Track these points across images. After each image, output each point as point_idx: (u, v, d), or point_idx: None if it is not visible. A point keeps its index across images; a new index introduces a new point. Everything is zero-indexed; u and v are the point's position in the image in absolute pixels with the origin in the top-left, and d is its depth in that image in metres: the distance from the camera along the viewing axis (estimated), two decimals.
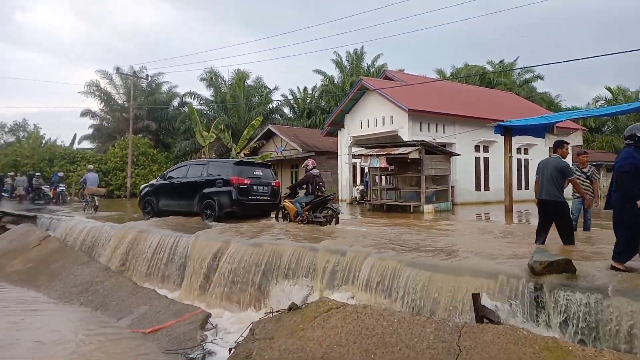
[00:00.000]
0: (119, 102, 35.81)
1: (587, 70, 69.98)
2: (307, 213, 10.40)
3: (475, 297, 4.54)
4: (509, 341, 3.97)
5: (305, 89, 40.64)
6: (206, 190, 11.55)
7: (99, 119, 36.87)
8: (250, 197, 11.41)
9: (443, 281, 5.32)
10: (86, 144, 38.73)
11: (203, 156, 22.72)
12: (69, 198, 22.71)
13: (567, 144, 6.97)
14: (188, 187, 12.07)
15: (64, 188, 21.50)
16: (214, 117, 30.14)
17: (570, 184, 6.93)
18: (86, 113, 35.68)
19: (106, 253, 9.98)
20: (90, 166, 20.06)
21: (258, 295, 7.00)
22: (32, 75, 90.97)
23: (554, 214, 6.53)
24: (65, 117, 75.64)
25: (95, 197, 15.95)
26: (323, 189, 10.70)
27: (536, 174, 6.81)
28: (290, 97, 40.10)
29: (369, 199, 17.17)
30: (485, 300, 4.81)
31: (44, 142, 37.34)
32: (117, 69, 29.31)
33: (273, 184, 12.02)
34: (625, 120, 32.32)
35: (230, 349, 5.15)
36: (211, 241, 8.19)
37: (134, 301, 7.38)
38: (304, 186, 10.81)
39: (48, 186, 21.86)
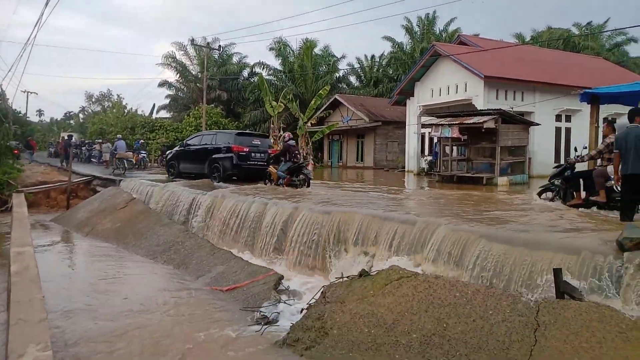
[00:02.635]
0: (193, 73, 37.30)
1: None
2: (287, 177, 11.82)
3: (557, 272, 4.34)
4: (592, 318, 3.79)
5: (372, 56, 39.82)
6: (214, 156, 13.72)
7: (174, 90, 38.74)
8: (248, 163, 13.48)
9: (519, 255, 5.13)
10: (163, 114, 41.06)
11: (272, 125, 23.19)
12: (149, 164, 24.38)
13: None
14: (201, 153, 14.30)
15: (145, 154, 23.12)
16: (282, 87, 30.55)
17: None
18: (163, 84, 37.61)
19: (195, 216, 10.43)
20: (119, 135, 24.01)
21: (327, 262, 7.18)
22: (117, 49, 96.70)
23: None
24: (146, 88, 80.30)
25: (125, 160, 19.16)
26: (299, 156, 12.32)
27: (615, 149, 6.26)
28: (357, 65, 39.53)
29: (438, 170, 16.75)
30: (571, 277, 4.59)
31: (126, 111, 39.98)
32: (192, 40, 30.42)
33: (269, 151, 13.81)
34: None
35: (302, 309, 5.38)
36: (282, 207, 8.43)
37: (212, 261, 7.85)
38: (284, 156, 12.08)
39: (131, 152, 23.60)
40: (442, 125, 15.35)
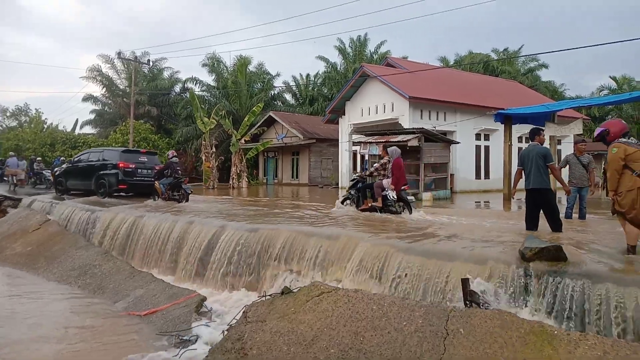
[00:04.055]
0: (121, 87, 35.78)
1: (592, 60, 69.33)
2: (168, 192, 12.72)
3: (465, 282, 4.58)
4: (495, 325, 4.01)
5: (307, 75, 40.53)
6: (100, 172, 14.28)
7: (100, 104, 36.88)
8: (134, 179, 14.11)
9: (434, 266, 5.37)
10: (88, 129, 38.87)
11: (204, 142, 22.74)
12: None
13: (543, 131, 6.96)
14: (88, 170, 14.83)
15: (47, 171, 21.54)
16: (215, 104, 30.13)
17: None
18: (88, 98, 35.69)
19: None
20: (12, 153, 23.94)
21: (253, 280, 7.08)
22: (35, 60, 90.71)
23: (542, 202, 6.55)
24: (68, 103, 75.72)
25: (14, 177, 20.01)
26: (179, 172, 13.15)
27: (518, 165, 6.82)
28: (292, 83, 39.98)
29: None
30: (477, 285, 4.86)
31: (45, 127, 37.40)
32: (119, 53, 29.29)
33: (157, 168, 14.01)
34: (630, 109, 32.09)
35: (223, 331, 5.23)
36: (207, 226, 8.24)
37: (130, 284, 7.46)
38: (166, 171, 12.96)
39: (49, 171, 21.94)
40: (369, 142, 15.83)
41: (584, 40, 76.47)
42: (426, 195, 14.93)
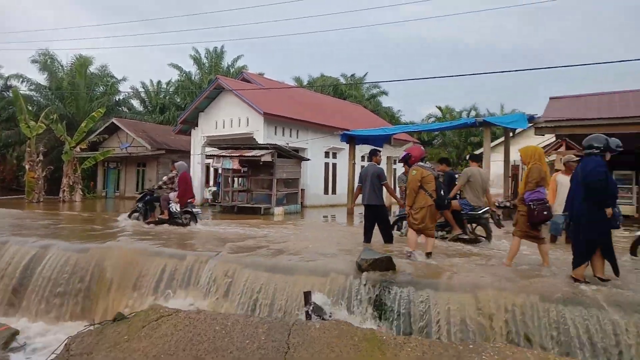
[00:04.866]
0: None
1: (423, 91, 79.47)
2: None
3: (306, 295, 4.72)
4: (332, 335, 4.20)
5: (159, 82, 38.33)
6: None
7: None
8: None
9: (280, 281, 5.44)
10: None
11: (28, 149, 19.75)
12: None
13: (380, 152, 7.68)
14: None
15: None
16: (46, 105, 26.53)
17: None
18: None
19: None
20: None
21: (83, 307, 6.29)
22: None
23: (376, 216, 7.20)
24: None
25: None
26: None
27: (358, 183, 7.44)
28: (142, 89, 37.36)
29: (220, 201, 16.84)
30: (320, 298, 5.04)
31: None
32: None
33: None
34: (451, 135, 37.47)
35: None
36: (23, 248, 7.10)
37: None
38: None
39: None
40: (223, 156, 15.59)
41: (421, 72, 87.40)
42: (278, 210, 15.22)
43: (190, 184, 10.34)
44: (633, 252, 6.56)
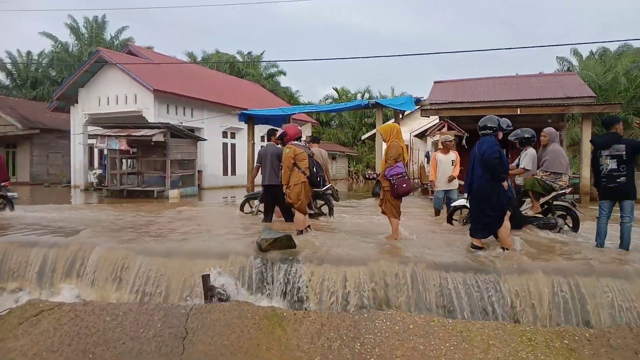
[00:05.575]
0: None
1: (321, 72, 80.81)
2: None
3: (205, 278, 4.62)
4: (233, 316, 4.18)
5: (29, 53, 33.99)
6: None
7: None
8: None
9: (176, 266, 5.24)
10: None
11: None
12: None
13: (277, 131, 7.65)
14: None
15: None
16: None
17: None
18: None
19: None
20: None
21: None
22: None
23: (276, 196, 7.22)
24: None
25: None
26: None
27: (257, 162, 7.39)
28: (8, 61, 32.81)
29: (107, 185, 15.62)
30: (221, 280, 4.95)
31: None
32: None
33: None
34: (347, 116, 38.70)
35: None
36: None
37: None
38: None
39: None
40: (109, 136, 14.40)
41: (318, 53, 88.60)
42: (173, 193, 14.55)
43: (4, 165, 9.40)
44: (449, 221, 7.35)
